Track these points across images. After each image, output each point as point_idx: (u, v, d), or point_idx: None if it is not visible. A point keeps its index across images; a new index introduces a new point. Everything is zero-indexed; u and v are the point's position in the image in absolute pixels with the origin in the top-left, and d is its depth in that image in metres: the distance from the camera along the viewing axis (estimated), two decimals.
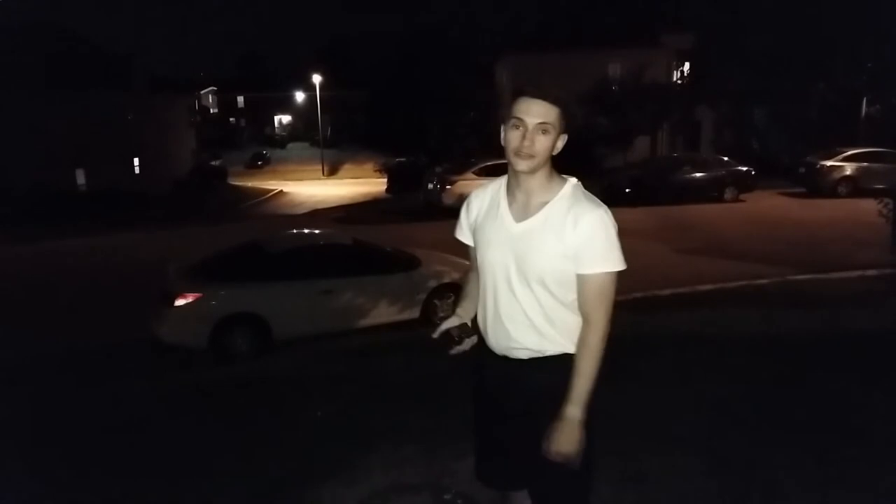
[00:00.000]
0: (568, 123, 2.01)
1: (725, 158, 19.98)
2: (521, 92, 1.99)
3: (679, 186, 18.36)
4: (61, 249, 16.45)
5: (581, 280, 2.02)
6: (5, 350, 7.51)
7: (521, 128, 1.97)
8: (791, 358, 5.28)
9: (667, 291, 8.51)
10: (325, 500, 3.48)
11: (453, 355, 2.17)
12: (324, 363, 6.63)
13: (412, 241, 10.47)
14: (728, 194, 18.20)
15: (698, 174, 18.73)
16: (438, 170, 20.11)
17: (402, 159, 33.39)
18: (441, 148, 30.42)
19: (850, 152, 18.25)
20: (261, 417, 4.94)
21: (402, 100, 36.43)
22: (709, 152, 26.70)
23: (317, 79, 48.32)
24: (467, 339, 2.15)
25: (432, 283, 7.98)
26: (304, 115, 66.17)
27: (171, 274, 7.53)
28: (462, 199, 2.31)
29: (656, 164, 22.66)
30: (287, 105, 70.11)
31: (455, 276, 7.88)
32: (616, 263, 2.00)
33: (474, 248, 2.25)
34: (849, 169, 17.95)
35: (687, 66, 30.63)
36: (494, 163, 17.21)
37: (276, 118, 72.81)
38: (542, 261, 2.01)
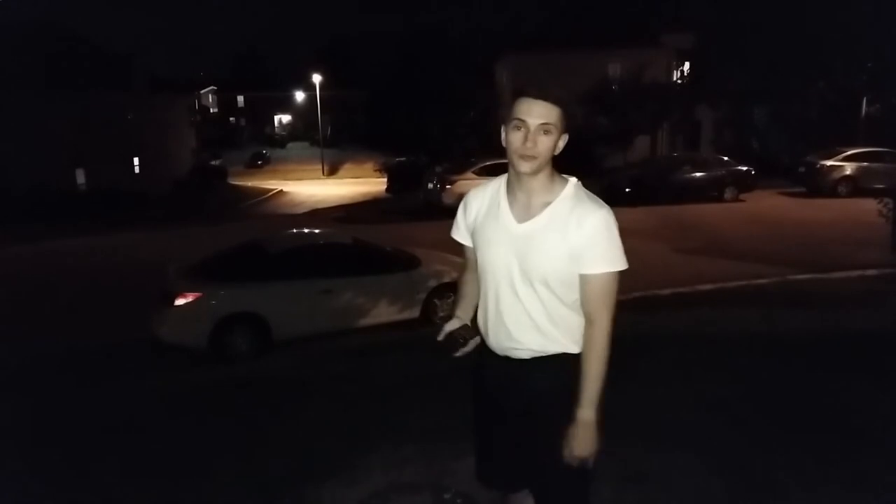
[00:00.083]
0: (569, 123, 2.01)
1: (725, 158, 19.98)
2: (522, 92, 1.98)
3: (679, 186, 18.36)
4: (61, 249, 16.45)
5: (585, 280, 2.02)
6: (5, 350, 7.52)
7: (522, 129, 1.96)
8: (791, 358, 5.28)
9: (667, 291, 8.51)
10: (325, 500, 3.48)
11: (458, 357, 2.15)
12: (324, 363, 6.64)
13: (412, 240, 10.47)
14: (728, 194, 18.20)
15: (698, 174, 18.74)
16: (438, 169, 20.12)
17: (402, 159, 33.36)
18: (441, 148, 30.39)
19: (849, 152, 18.24)
20: (261, 417, 4.94)
21: (402, 100, 36.38)
22: (709, 152, 26.70)
23: (317, 78, 48.31)
24: (471, 340, 2.14)
25: (432, 283, 7.98)
26: (304, 115, 66.17)
27: (171, 274, 7.53)
28: (462, 198, 2.29)
29: (656, 163, 22.66)
30: (287, 105, 70.12)
31: (455, 275, 7.87)
32: (619, 263, 2.01)
33: (471, 249, 2.24)
34: (849, 169, 17.95)
35: (687, 65, 30.62)
36: (494, 162, 17.20)
37: (276, 118, 72.83)
38: (545, 261, 2.01)
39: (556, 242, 2.00)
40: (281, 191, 38.31)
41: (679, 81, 30.66)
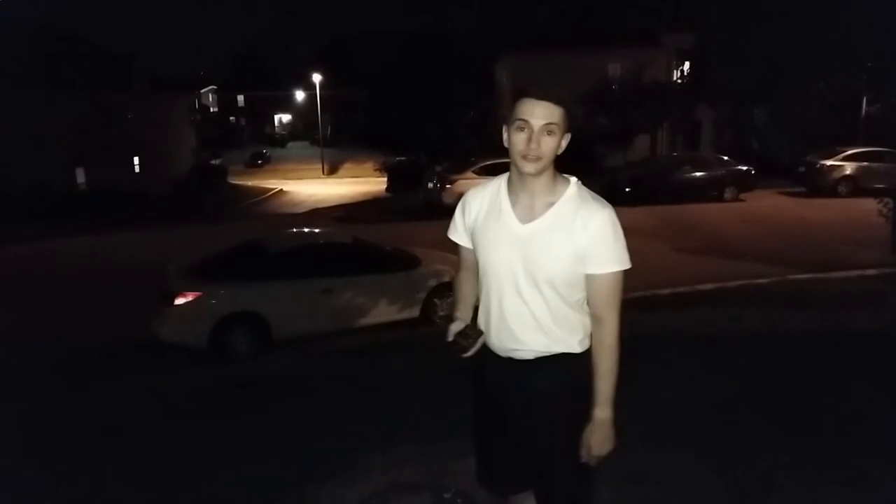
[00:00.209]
0: (571, 123, 2.00)
1: (725, 158, 19.98)
2: (524, 93, 1.97)
3: (679, 186, 18.36)
4: (61, 249, 16.46)
5: (592, 280, 2.03)
6: (5, 350, 7.52)
7: (526, 129, 1.95)
8: (791, 358, 5.28)
9: (667, 291, 8.52)
10: (325, 500, 3.48)
11: (466, 357, 2.13)
12: (324, 363, 6.64)
13: (412, 240, 10.47)
14: (728, 194, 18.21)
15: (698, 173, 18.74)
16: (438, 169, 20.12)
17: (402, 158, 33.37)
18: (441, 147, 30.40)
19: (849, 152, 18.24)
20: (261, 417, 4.94)
21: (402, 100, 36.37)
22: (709, 152, 26.69)
23: (317, 78, 48.32)
24: (479, 340, 2.11)
25: (432, 282, 7.98)
26: (304, 114, 66.18)
27: (171, 273, 7.54)
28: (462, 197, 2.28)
29: (656, 163, 22.66)
30: (287, 104, 70.13)
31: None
32: (625, 262, 2.02)
33: (468, 250, 2.23)
34: (849, 168, 17.95)
35: (687, 65, 30.61)
36: (494, 162, 17.18)
37: (277, 117, 72.85)
38: (551, 262, 2.00)
39: (562, 243, 1.99)
40: (281, 190, 38.31)
41: (679, 81, 30.65)
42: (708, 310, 7.27)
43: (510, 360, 2.12)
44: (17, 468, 4.19)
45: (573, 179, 2.09)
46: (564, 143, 2.01)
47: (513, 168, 2.06)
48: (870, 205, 10.70)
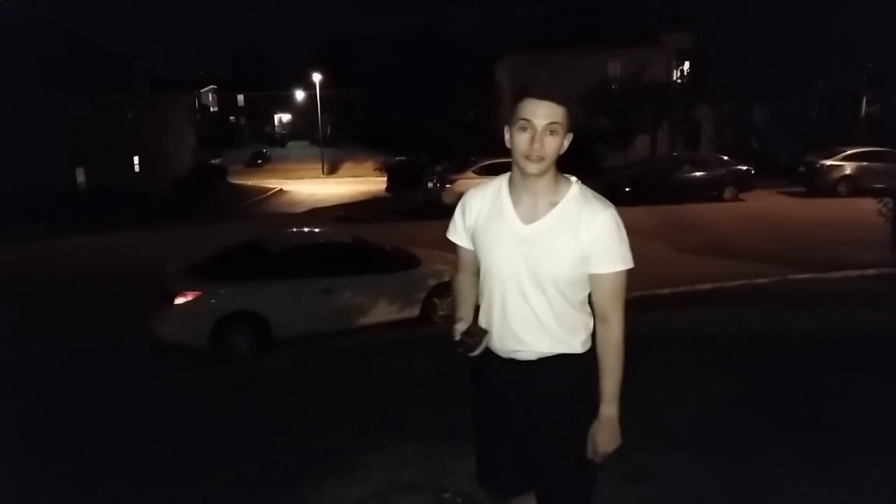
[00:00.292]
0: (572, 122, 2.00)
1: (725, 157, 19.99)
2: (526, 93, 1.97)
3: (679, 185, 18.37)
4: (61, 249, 16.46)
5: (598, 280, 2.03)
6: (5, 350, 7.52)
7: (529, 129, 1.94)
8: (791, 358, 5.28)
9: (666, 290, 8.52)
10: (325, 499, 3.48)
11: (472, 356, 2.10)
12: (324, 362, 6.64)
13: (412, 239, 10.48)
14: (728, 193, 18.22)
15: (698, 173, 18.75)
16: (438, 169, 20.12)
17: (402, 158, 33.36)
18: (441, 147, 30.39)
19: (849, 151, 18.25)
20: (260, 417, 4.94)
21: (402, 99, 36.39)
22: (709, 151, 26.69)
23: (317, 77, 48.29)
24: (485, 339, 2.09)
25: (432, 282, 7.98)
26: (304, 114, 66.14)
27: (170, 273, 7.54)
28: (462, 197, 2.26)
29: (656, 163, 22.66)
30: (287, 104, 70.10)
31: None
32: (629, 261, 2.03)
33: (467, 251, 2.22)
34: (848, 168, 17.96)
35: (687, 65, 30.60)
36: (494, 161, 17.19)
37: (276, 117, 72.80)
38: (555, 262, 2.00)
39: (566, 243, 1.99)
40: (281, 190, 38.31)
41: (679, 81, 30.65)
42: (708, 310, 7.27)
43: (512, 360, 2.11)
44: (18, 468, 4.19)
45: (573, 178, 2.09)
46: (567, 143, 2.00)
47: (515, 168, 2.05)
48: (869, 205, 10.71)
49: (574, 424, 2.11)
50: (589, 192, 2.07)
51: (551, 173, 2.03)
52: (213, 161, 47.18)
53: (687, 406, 4.34)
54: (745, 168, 18.85)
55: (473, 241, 2.17)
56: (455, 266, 2.33)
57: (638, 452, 3.53)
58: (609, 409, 2.08)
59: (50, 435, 4.90)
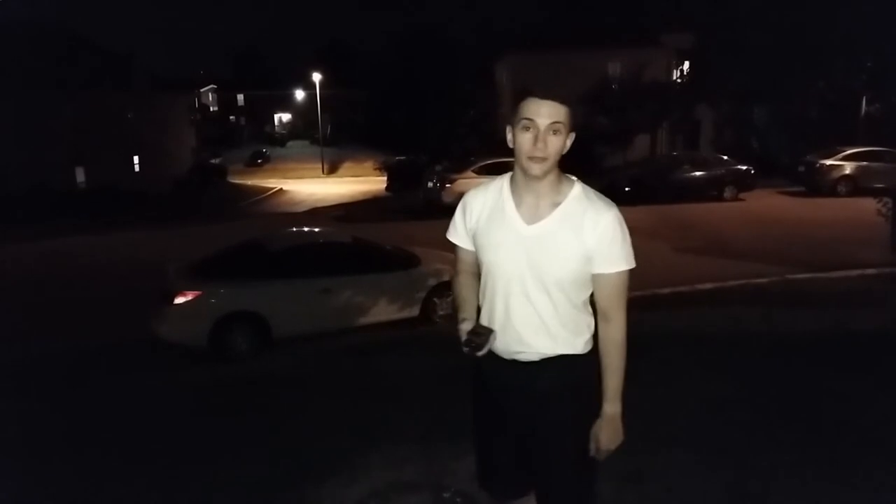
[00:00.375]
0: (575, 122, 1.99)
1: (725, 157, 19.98)
2: (528, 92, 1.95)
3: (678, 185, 18.37)
4: (61, 248, 16.45)
5: (601, 279, 2.03)
6: (5, 350, 7.51)
7: (532, 129, 1.93)
8: (791, 358, 5.28)
9: (666, 290, 8.51)
10: (325, 499, 3.48)
11: (479, 355, 2.08)
12: (323, 362, 6.64)
13: (412, 239, 10.47)
14: (727, 193, 18.21)
15: (698, 173, 18.75)
16: (438, 168, 20.12)
17: (402, 158, 33.33)
18: (441, 146, 30.38)
19: (849, 151, 18.24)
20: (260, 416, 4.94)
21: (401, 99, 36.33)
22: (708, 151, 26.67)
23: (317, 77, 48.32)
24: (491, 336, 2.07)
25: (432, 282, 7.98)
26: (304, 114, 66.15)
27: (170, 272, 7.53)
28: (462, 197, 2.24)
29: (656, 163, 22.67)
30: (287, 103, 70.09)
31: None
32: (632, 261, 2.03)
33: (468, 252, 2.20)
34: (848, 168, 17.95)
35: (686, 65, 30.59)
36: (494, 161, 17.22)
37: (276, 116, 72.80)
38: (559, 262, 1.99)
39: (570, 243, 1.98)
40: (281, 189, 38.32)
41: (679, 81, 30.65)
42: (707, 309, 7.28)
43: (514, 362, 2.10)
44: (18, 468, 4.19)
45: (573, 178, 2.09)
46: (569, 143, 2.00)
47: (517, 168, 2.04)
48: (869, 204, 10.72)
49: (575, 425, 2.11)
50: (591, 192, 2.06)
51: (554, 173, 2.02)
52: (212, 161, 47.20)
53: (687, 406, 4.35)
54: (744, 168, 18.85)
55: (475, 242, 2.16)
56: (454, 266, 2.32)
57: (638, 452, 3.53)
58: (612, 406, 2.09)
59: (50, 435, 4.90)
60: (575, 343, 2.08)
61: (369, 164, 43.99)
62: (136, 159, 34.97)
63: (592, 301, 2.12)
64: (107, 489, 3.87)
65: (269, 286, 7.34)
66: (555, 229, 2.00)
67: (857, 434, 3.83)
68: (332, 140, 56.93)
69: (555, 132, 1.93)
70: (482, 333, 2.05)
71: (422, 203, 19.41)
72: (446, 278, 7.87)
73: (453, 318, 2.22)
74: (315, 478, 3.67)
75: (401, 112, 35.01)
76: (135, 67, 37.85)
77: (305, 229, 9.55)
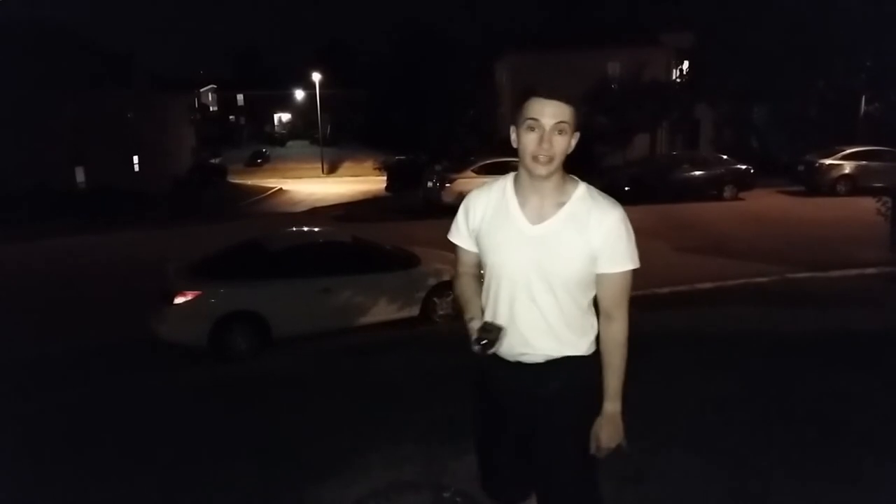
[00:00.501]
0: (579, 121, 1.97)
1: (725, 157, 19.99)
2: (532, 92, 1.94)
3: (678, 185, 18.38)
4: (61, 248, 16.45)
5: (606, 279, 2.02)
6: (5, 350, 7.51)
7: (536, 129, 1.92)
8: (791, 357, 5.28)
9: (666, 290, 8.51)
10: (325, 499, 3.48)
11: (489, 354, 2.06)
12: (323, 362, 6.64)
13: (412, 239, 10.47)
14: (727, 193, 18.22)
15: (697, 172, 18.75)
16: (438, 168, 20.13)
17: (402, 157, 33.37)
18: (441, 146, 30.38)
19: (848, 151, 18.25)
20: (260, 416, 4.94)
21: (401, 99, 36.32)
22: (708, 150, 26.69)
23: (316, 77, 48.31)
24: (501, 333, 2.04)
25: (432, 281, 7.97)
26: (303, 114, 66.15)
27: (170, 272, 7.53)
28: (462, 197, 2.22)
29: (656, 162, 22.67)
30: (287, 103, 70.09)
31: None
32: (636, 260, 2.03)
33: (470, 253, 2.19)
34: (848, 167, 17.96)
35: (686, 64, 30.57)
36: (494, 161, 17.24)
37: (276, 116, 72.82)
38: (565, 262, 1.98)
39: (575, 243, 1.97)
40: (280, 189, 38.32)
41: (678, 80, 30.64)
42: (707, 309, 7.28)
43: (518, 363, 2.09)
44: (18, 468, 4.19)
45: (578, 179, 2.08)
46: (574, 142, 1.98)
47: (521, 169, 2.03)
48: (869, 204, 10.72)
49: (577, 426, 2.11)
50: (596, 192, 2.06)
51: (558, 173, 2.01)
52: (212, 160, 47.22)
53: (687, 405, 4.34)
54: (744, 167, 18.84)
55: (478, 243, 2.14)
56: (455, 267, 2.30)
57: (637, 452, 3.53)
58: (612, 405, 2.09)
59: (50, 435, 4.90)
60: (579, 344, 2.07)
61: (369, 164, 44.03)
62: (135, 159, 34.93)
63: (595, 301, 2.11)
64: (107, 489, 3.87)
65: (269, 286, 7.34)
66: (560, 229, 1.99)
67: (857, 434, 3.83)
68: (332, 140, 56.94)
69: (560, 132, 1.92)
70: (492, 330, 2.02)
71: (421, 203, 19.42)
72: (446, 278, 7.86)
73: (454, 318, 2.23)
74: (315, 478, 3.67)
75: (401, 112, 34.99)
76: (135, 67, 37.83)
77: (305, 229, 9.56)
